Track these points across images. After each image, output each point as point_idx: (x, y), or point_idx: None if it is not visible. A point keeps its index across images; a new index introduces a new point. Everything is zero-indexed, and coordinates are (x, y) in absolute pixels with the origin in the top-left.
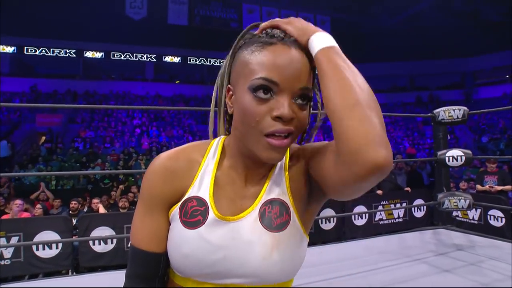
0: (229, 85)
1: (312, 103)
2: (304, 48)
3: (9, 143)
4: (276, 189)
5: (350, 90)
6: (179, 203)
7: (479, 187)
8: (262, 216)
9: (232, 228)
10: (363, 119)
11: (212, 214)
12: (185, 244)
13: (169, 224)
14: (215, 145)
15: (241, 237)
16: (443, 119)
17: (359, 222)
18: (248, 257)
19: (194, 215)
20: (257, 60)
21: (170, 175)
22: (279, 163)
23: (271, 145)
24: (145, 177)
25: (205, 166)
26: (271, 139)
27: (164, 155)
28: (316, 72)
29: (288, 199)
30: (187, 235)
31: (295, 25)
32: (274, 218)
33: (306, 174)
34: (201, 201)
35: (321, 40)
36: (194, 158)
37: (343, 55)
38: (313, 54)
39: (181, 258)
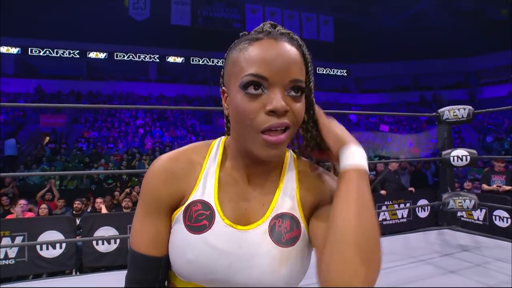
0: (223, 87)
1: (312, 96)
2: (294, 40)
3: (18, 143)
4: (287, 202)
5: (352, 233)
6: (183, 207)
7: (485, 186)
8: (272, 230)
9: (239, 236)
10: (350, 266)
11: (218, 219)
12: (189, 249)
13: (170, 227)
14: (216, 146)
15: (249, 247)
16: (448, 118)
17: None
18: (255, 269)
19: (199, 219)
20: (245, 57)
21: (170, 177)
22: (290, 174)
23: (267, 142)
24: (145, 179)
25: (207, 168)
26: (267, 136)
27: (164, 156)
28: (309, 64)
29: (298, 214)
30: (191, 240)
31: (333, 128)
32: (284, 232)
33: (315, 208)
34: (206, 205)
35: (354, 157)
36: (195, 159)
37: (367, 182)
38: (341, 167)
39: (185, 263)
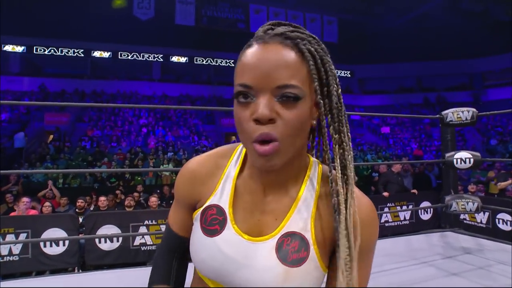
0: None
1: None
2: (292, 39)
3: (26, 136)
4: (300, 222)
5: None
6: (201, 209)
7: (502, 184)
8: (279, 247)
9: (247, 247)
10: None
11: (229, 226)
12: (202, 250)
13: (193, 219)
14: (239, 150)
15: (254, 260)
16: (451, 120)
17: None
18: (259, 282)
19: (213, 223)
20: (238, 67)
21: (193, 180)
22: (309, 191)
23: (257, 152)
24: (177, 177)
25: (227, 173)
26: (256, 145)
27: (194, 159)
28: (313, 62)
29: (310, 236)
30: (205, 242)
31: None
32: (291, 252)
33: (330, 240)
34: (220, 211)
35: None
36: (220, 163)
37: None
38: None
39: (199, 262)
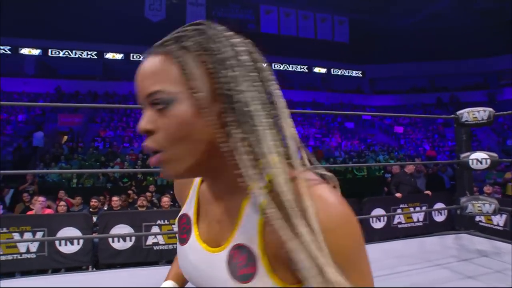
0: None
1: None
2: (167, 44)
3: (45, 136)
4: (247, 233)
5: None
6: (178, 217)
7: None
8: (229, 261)
9: (206, 257)
10: None
11: (193, 235)
12: (179, 257)
13: None
14: None
15: (211, 271)
16: (467, 120)
17: (377, 225)
18: None
19: (183, 232)
20: None
21: (178, 185)
22: (256, 197)
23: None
24: None
25: (196, 181)
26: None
27: None
28: (183, 62)
29: (257, 249)
30: (179, 250)
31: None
32: (239, 266)
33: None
34: (188, 219)
35: None
36: None
37: None
38: None
39: (181, 268)
